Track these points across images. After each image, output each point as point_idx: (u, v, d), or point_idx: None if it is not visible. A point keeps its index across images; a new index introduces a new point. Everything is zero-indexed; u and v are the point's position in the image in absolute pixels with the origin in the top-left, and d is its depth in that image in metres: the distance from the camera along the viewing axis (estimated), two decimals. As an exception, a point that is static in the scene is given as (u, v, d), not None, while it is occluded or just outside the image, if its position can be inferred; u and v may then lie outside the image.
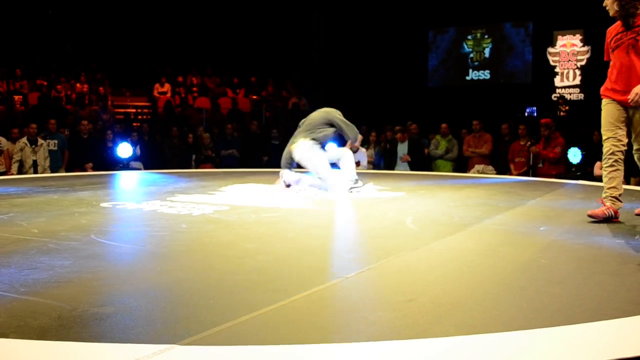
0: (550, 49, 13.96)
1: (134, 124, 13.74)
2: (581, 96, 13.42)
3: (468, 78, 15.25)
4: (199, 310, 2.11)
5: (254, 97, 15.73)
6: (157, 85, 15.66)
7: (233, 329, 1.90)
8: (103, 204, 4.94)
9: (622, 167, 4.16)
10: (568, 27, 13.65)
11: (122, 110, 15.47)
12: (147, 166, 10.54)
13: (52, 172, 9.52)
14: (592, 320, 1.97)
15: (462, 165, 10.51)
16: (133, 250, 3.29)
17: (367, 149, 11.07)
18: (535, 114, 12.98)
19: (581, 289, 2.45)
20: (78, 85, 14.86)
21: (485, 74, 15.06)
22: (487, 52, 15.09)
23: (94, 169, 9.97)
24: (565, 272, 2.73)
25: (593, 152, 9.22)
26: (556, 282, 2.55)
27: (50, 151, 9.86)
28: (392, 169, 10.38)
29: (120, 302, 2.22)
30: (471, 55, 15.26)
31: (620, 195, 4.16)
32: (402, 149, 10.50)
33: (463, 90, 15.03)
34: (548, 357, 1.70)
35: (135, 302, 2.23)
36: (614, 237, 3.61)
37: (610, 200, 4.14)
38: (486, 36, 15.12)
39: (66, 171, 9.76)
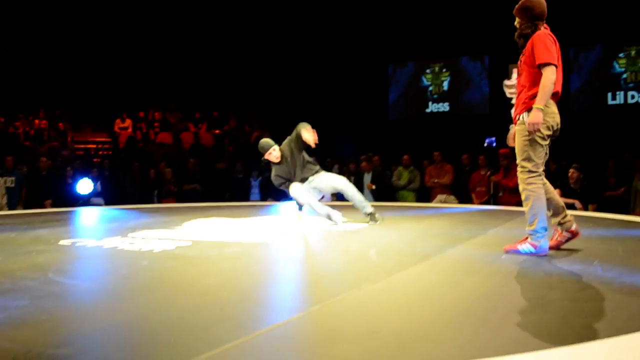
0: (506, 82, 14.27)
1: (95, 160, 13.58)
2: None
3: (428, 110, 15.50)
4: (159, 349, 2.07)
5: (217, 131, 15.71)
6: (118, 120, 15.55)
7: (194, 367, 1.87)
8: (62, 242, 4.84)
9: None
10: (514, 62, 13.99)
11: (82, 146, 15.29)
12: (108, 202, 10.39)
13: (9, 209, 9.30)
14: (552, 347, 2.00)
15: (424, 195, 10.60)
16: (92, 289, 3.22)
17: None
18: (494, 145, 13.22)
19: (542, 316, 2.48)
20: (37, 121, 14.67)
21: (444, 106, 15.33)
22: (445, 85, 15.38)
23: (53, 206, 9.78)
24: (526, 301, 2.77)
25: (551, 180, 9.39)
26: (517, 311, 2.58)
27: (7, 188, 9.66)
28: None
29: (78, 342, 2.16)
30: (430, 88, 15.54)
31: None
32: (367, 179, 10.60)
33: (423, 122, 15.26)
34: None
35: (93, 342, 2.18)
36: (572, 263, 3.68)
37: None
38: (444, 70, 15.43)
39: (24, 208, 9.55)
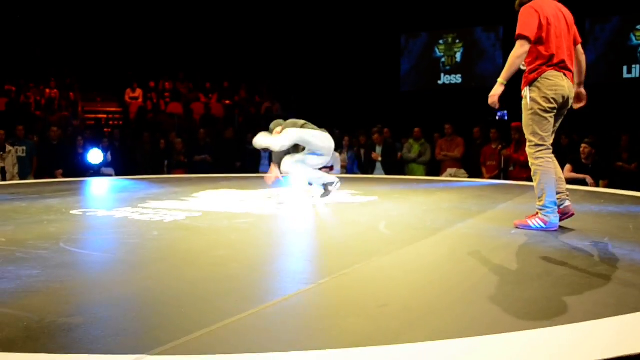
0: (521, 54, 14.11)
1: (105, 130, 13.60)
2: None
3: (440, 82, 15.37)
4: (170, 319, 2.09)
5: (227, 102, 15.66)
6: (128, 90, 15.52)
7: (204, 338, 1.88)
8: (73, 212, 4.87)
9: None
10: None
11: (93, 115, 15.30)
12: (119, 172, 10.43)
13: (20, 179, 9.36)
14: (562, 324, 1.99)
15: (434, 168, 10.58)
16: (103, 258, 3.24)
17: (340, 153, 11.08)
18: (506, 118, 13.10)
19: (551, 292, 2.48)
20: (47, 90, 14.67)
21: (457, 78, 15.19)
22: (458, 56, 15.22)
23: (64, 176, 9.83)
24: (535, 276, 2.76)
25: (562, 155, 9.34)
26: (526, 286, 2.58)
27: (18, 158, 9.70)
28: (372, 172, 10.42)
29: (89, 312, 2.18)
30: (443, 59, 15.39)
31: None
32: (379, 151, 10.57)
33: (435, 95, 15.14)
34: (518, 361, 1.72)
35: (104, 311, 2.19)
36: (583, 239, 3.67)
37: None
38: (457, 41, 15.26)
39: (35, 178, 9.61)
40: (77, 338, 1.90)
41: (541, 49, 3.93)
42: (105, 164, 10.46)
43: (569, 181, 7.94)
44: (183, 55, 16.42)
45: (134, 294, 2.44)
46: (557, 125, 4.11)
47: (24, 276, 2.64)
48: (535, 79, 3.95)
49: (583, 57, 4.15)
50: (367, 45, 15.11)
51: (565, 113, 4.13)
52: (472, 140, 10.51)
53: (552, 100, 3.92)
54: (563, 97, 3.95)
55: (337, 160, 10.64)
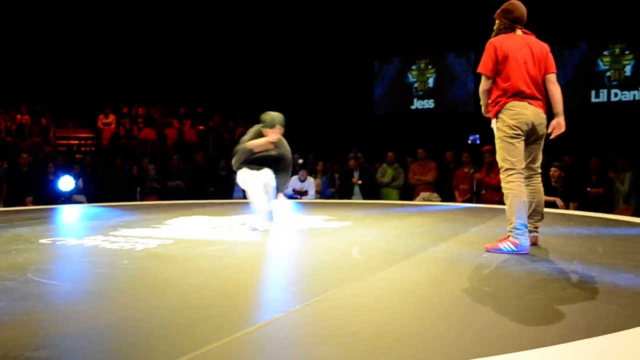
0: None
1: (77, 156, 13.47)
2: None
3: (413, 107, 15.53)
4: (140, 350, 2.06)
5: (201, 127, 15.63)
6: (101, 116, 15.43)
7: (174, 370, 1.86)
8: (42, 240, 4.79)
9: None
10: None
11: (65, 142, 15.16)
12: (90, 199, 10.31)
13: (-11, 206, 9.20)
14: (535, 347, 2.01)
15: (408, 192, 10.64)
16: (72, 289, 3.18)
17: (314, 178, 11.11)
18: (478, 142, 13.30)
19: (523, 315, 2.50)
20: (18, 116, 14.52)
21: (429, 103, 15.37)
22: (431, 81, 15.42)
23: (34, 203, 9.68)
24: (508, 300, 2.78)
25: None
26: (499, 310, 2.59)
27: (-13, 185, 9.56)
28: (350, 197, 10.43)
29: (57, 344, 2.14)
30: (415, 84, 15.58)
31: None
32: (357, 176, 10.60)
33: (408, 119, 15.29)
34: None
35: (73, 344, 2.15)
36: (553, 262, 3.71)
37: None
38: (430, 66, 15.47)
39: (4, 206, 9.45)
40: (44, 372, 1.86)
41: (499, 81, 4.17)
42: (76, 190, 10.34)
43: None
44: (156, 81, 16.38)
45: (104, 326, 2.39)
46: (536, 152, 4.31)
47: (-11, 308, 2.58)
48: (498, 111, 4.18)
49: (553, 87, 4.25)
50: (341, 71, 15.24)
51: (541, 139, 4.28)
52: (445, 164, 10.62)
53: (515, 128, 4.10)
54: (527, 124, 4.12)
55: (312, 185, 10.67)
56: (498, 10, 4.33)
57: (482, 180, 9.51)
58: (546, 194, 8.17)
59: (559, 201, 8.31)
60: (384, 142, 12.66)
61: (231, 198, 10.93)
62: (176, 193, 10.99)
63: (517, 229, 4.02)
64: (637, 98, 13.41)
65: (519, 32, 4.26)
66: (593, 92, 13.74)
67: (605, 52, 13.73)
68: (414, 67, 15.62)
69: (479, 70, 4.24)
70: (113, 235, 5.01)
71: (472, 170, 9.78)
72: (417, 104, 15.50)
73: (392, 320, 2.45)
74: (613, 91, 13.61)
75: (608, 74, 13.69)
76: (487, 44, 4.23)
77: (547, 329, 2.29)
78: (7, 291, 2.93)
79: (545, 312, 2.56)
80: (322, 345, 2.10)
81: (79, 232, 5.59)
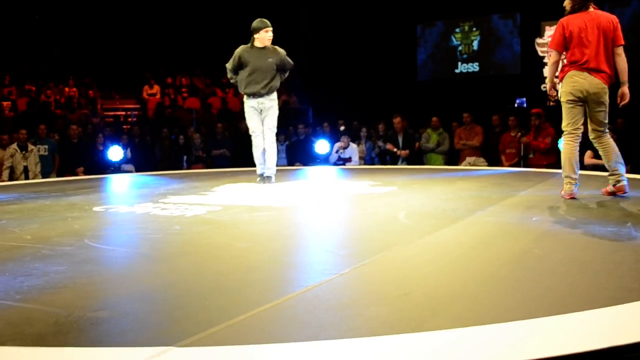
0: (538, 40, 13.99)
1: (124, 127, 13.71)
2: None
3: (457, 71, 15.25)
4: (194, 311, 2.12)
5: (244, 95, 15.67)
6: (146, 87, 15.62)
7: (228, 329, 1.91)
8: (95, 208, 4.93)
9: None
10: (556, 18, 13.64)
11: (112, 113, 15.43)
12: (139, 168, 10.51)
13: (43, 177, 9.47)
14: (586, 309, 1.99)
15: (453, 158, 10.53)
16: (127, 253, 3.29)
17: (358, 144, 11.07)
18: (525, 105, 13.01)
19: (574, 278, 2.47)
20: (67, 89, 14.82)
21: (474, 67, 15.07)
22: (475, 44, 15.09)
23: (85, 173, 9.93)
24: (559, 262, 2.75)
25: (582, 142, 9.25)
26: (549, 272, 2.57)
27: (41, 156, 9.82)
28: (395, 163, 10.39)
29: (115, 306, 2.22)
30: (460, 48, 15.26)
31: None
32: (400, 141, 10.49)
33: (452, 83, 15.03)
34: (543, 347, 1.71)
35: (130, 305, 2.23)
36: (606, 225, 3.64)
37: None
38: (474, 29, 15.12)
39: (57, 176, 9.72)
40: (105, 331, 1.93)
41: (568, 55, 4.74)
42: (125, 160, 10.55)
43: (591, 167, 7.88)
44: (199, 51, 16.46)
45: (158, 288, 2.47)
46: (598, 116, 4.77)
47: (50, 272, 2.69)
48: (562, 78, 4.78)
49: (619, 58, 4.70)
50: (383, 36, 15.03)
51: (600, 106, 4.73)
52: (491, 128, 10.44)
53: (570, 94, 4.72)
54: (581, 92, 4.68)
55: (355, 151, 10.65)
56: None
57: (529, 143, 9.34)
58: (597, 157, 8.06)
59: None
60: (428, 107, 12.51)
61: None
62: (222, 161, 11.12)
63: (564, 179, 4.78)
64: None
65: (591, 9, 4.72)
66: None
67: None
68: (457, 30, 15.29)
69: (549, 46, 4.90)
70: (163, 202, 5.11)
71: (519, 134, 9.60)
72: (462, 67, 15.21)
73: (441, 282, 2.45)
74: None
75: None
76: (558, 23, 4.78)
77: (599, 291, 2.26)
78: (67, 256, 3.04)
79: (597, 274, 2.53)
80: (373, 306, 2.12)
81: (130, 200, 5.73)
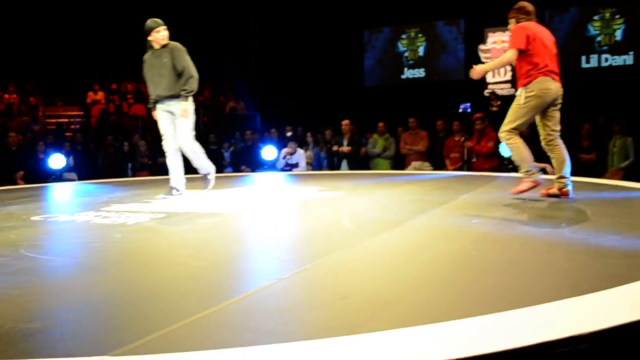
0: (482, 46, 14.32)
1: (67, 134, 13.40)
2: (512, 91, 13.80)
3: (403, 77, 15.48)
4: (132, 320, 2.09)
5: (191, 102, 15.51)
6: (90, 93, 15.31)
7: (166, 337, 1.88)
8: (34, 218, 4.79)
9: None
10: (498, 24, 14.04)
11: (54, 120, 15.06)
12: (82, 177, 10.28)
13: (-20, 186, 9.16)
14: (519, 307, 2.04)
15: (399, 162, 10.67)
16: (64, 263, 3.21)
17: (305, 150, 11.10)
18: (469, 110, 13.28)
19: (509, 277, 2.53)
20: (6, 96, 14.39)
21: (420, 72, 15.32)
22: (421, 50, 15.34)
23: (25, 182, 9.64)
24: (495, 262, 2.82)
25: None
26: (486, 273, 2.63)
27: (-23, 165, 9.51)
28: (338, 168, 10.45)
29: (49, 317, 2.17)
30: (406, 54, 15.50)
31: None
32: (345, 144, 10.58)
33: (399, 89, 15.25)
34: (477, 344, 1.75)
35: (65, 316, 2.18)
36: (542, 226, 3.75)
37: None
38: (420, 35, 15.38)
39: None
40: (37, 343, 1.88)
41: (530, 58, 4.80)
42: (67, 168, 10.31)
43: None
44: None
45: (95, 297, 2.42)
46: (557, 116, 4.96)
47: (-18, 284, 2.60)
48: (530, 82, 4.80)
49: None
50: (331, 42, 15.12)
51: (558, 107, 4.96)
52: (436, 133, 10.63)
53: (539, 98, 4.79)
54: (551, 97, 4.82)
55: (302, 156, 10.67)
56: (512, 12, 5.02)
57: (472, 148, 9.54)
58: (537, 158, 8.32)
59: (548, 167, 8.34)
60: (374, 112, 12.64)
61: (221, 172, 10.94)
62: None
63: (529, 170, 4.85)
64: (627, 63, 13.40)
65: (532, 20, 4.96)
66: (584, 58, 13.72)
67: (596, 17, 13.68)
68: (404, 36, 15.53)
69: (512, 46, 4.82)
70: (105, 210, 5.01)
71: (462, 138, 9.80)
72: (408, 73, 15.44)
73: (381, 285, 2.48)
74: (604, 56, 13.59)
75: (598, 38, 13.66)
76: (518, 27, 4.87)
77: (533, 289, 2.32)
78: (1, 267, 2.94)
79: (531, 273, 2.60)
80: (312, 310, 2.13)
81: (71, 208, 5.60)
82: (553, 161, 5.02)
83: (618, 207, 4.75)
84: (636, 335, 1.87)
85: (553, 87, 4.81)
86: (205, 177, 6.19)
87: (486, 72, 5.07)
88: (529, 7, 5.04)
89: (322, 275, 2.68)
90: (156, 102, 6.01)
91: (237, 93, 15.68)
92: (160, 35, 5.99)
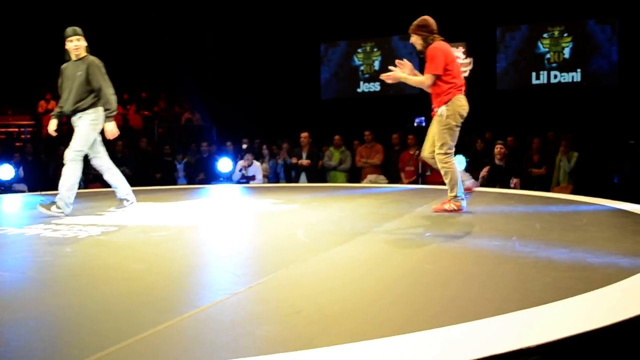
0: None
1: (17, 144, 13.08)
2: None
3: (359, 90, 15.64)
4: (83, 336, 2.05)
5: (146, 113, 15.36)
6: (42, 102, 15.00)
7: (118, 353, 1.86)
8: (-19, 230, 4.66)
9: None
10: (451, 40, 14.27)
11: (4, 129, 14.69)
12: (32, 188, 10.04)
13: None
14: (469, 320, 2.08)
15: (355, 175, 10.73)
16: (12, 278, 3.12)
17: (262, 163, 11.08)
18: (423, 124, 13.47)
19: (461, 290, 2.58)
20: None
21: (375, 86, 15.50)
22: (376, 64, 15.54)
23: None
24: (448, 276, 2.87)
25: (476, 159, 9.70)
26: (438, 286, 2.67)
27: None
28: (297, 181, 10.44)
29: (-5, 334, 2.11)
30: (362, 67, 15.67)
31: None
32: (304, 157, 10.58)
33: (354, 102, 15.39)
34: (429, 357, 1.78)
35: (12, 334, 2.13)
36: (493, 239, 3.82)
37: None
38: (375, 49, 15.58)
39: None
40: (-18, 361, 1.83)
41: (447, 77, 4.93)
42: (17, 179, 10.05)
43: (483, 184, 8.26)
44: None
45: (45, 313, 2.37)
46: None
47: None
48: (449, 101, 4.91)
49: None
50: (288, 55, 15.19)
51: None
52: (391, 147, 10.74)
53: (461, 116, 4.96)
54: (466, 113, 4.98)
55: (259, 169, 10.64)
56: (414, 27, 5.11)
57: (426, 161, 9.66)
58: (492, 172, 8.48)
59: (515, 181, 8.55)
60: (331, 125, 12.71)
61: (176, 184, 10.84)
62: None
63: (459, 195, 5.00)
64: (575, 80, 13.82)
65: (439, 38, 5.03)
66: (534, 74, 14.09)
67: (545, 35, 14.08)
68: (360, 50, 15.71)
69: (433, 71, 4.91)
70: (55, 223, 4.91)
71: (417, 152, 9.91)
72: (364, 87, 15.62)
73: (335, 299, 2.49)
74: (553, 73, 13.99)
75: (548, 56, 14.05)
76: (434, 48, 4.94)
77: (483, 302, 2.37)
78: (-57, 282, 2.86)
79: (482, 286, 2.65)
80: (265, 324, 2.13)
81: (20, 221, 5.46)
82: (446, 177, 5.07)
83: (567, 220, 4.87)
84: (583, 346, 1.93)
85: (466, 103, 4.98)
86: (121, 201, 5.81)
87: (399, 81, 5.08)
88: (433, 23, 5.09)
89: (276, 288, 2.68)
90: (61, 114, 5.77)
91: (192, 104, 15.56)
92: (72, 45, 5.64)
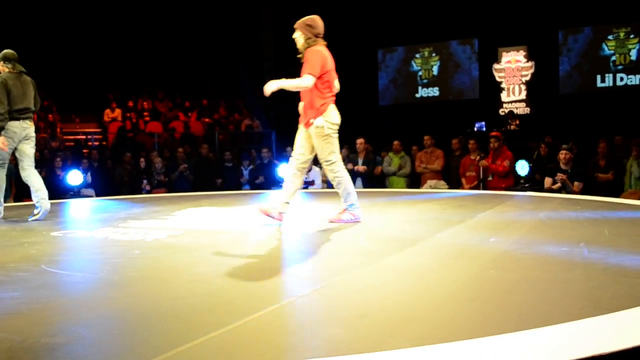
0: (496, 65, 14.36)
1: (84, 151, 13.53)
2: (527, 110, 13.82)
3: (418, 95, 15.53)
4: (153, 336, 2.11)
5: (207, 120, 15.67)
6: (107, 110, 15.50)
7: (187, 353, 1.90)
8: (53, 233, 4.85)
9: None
10: (512, 44, 14.08)
11: (72, 137, 15.23)
12: (99, 193, 10.37)
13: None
14: (540, 327, 2.04)
15: (415, 181, 10.65)
16: (84, 278, 3.24)
17: (320, 168, 11.12)
18: (484, 129, 13.28)
19: (529, 296, 2.53)
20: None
21: (434, 91, 15.37)
22: (435, 69, 15.41)
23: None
24: (514, 281, 2.81)
25: (540, 164, 9.48)
26: (505, 291, 2.63)
27: (-3, 181, 9.60)
28: (354, 183, 10.44)
29: (72, 331, 2.19)
30: (420, 73, 15.56)
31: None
32: (360, 163, 10.59)
33: (413, 108, 15.29)
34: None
35: (87, 331, 2.20)
36: (560, 245, 3.73)
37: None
38: (434, 54, 15.45)
39: (14, 201, 9.51)
40: (60, 357, 1.91)
41: (322, 85, 4.94)
42: (85, 185, 10.40)
43: (548, 190, 8.07)
44: (161, 74, 16.41)
45: (117, 313, 2.44)
46: None
47: (5, 298, 2.64)
48: (324, 112, 4.92)
49: None
50: (345, 60, 15.14)
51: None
52: (451, 152, 10.61)
53: (336, 125, 5.03)
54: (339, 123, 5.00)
55: (318, 174, 10.69)
56: (300, 23, 4.94)
57: (488, 167, 9.51)
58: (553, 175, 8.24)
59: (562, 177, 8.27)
60: (389, 131, 12.66)
61: (239, 189, 11.00)
62: (183, 185, 11.05)
63: (353, 204, 4.99)
64: (642, 82, 13.38)
65: (322, 43, 4.97)
66: (599, 77, 13.70)
67: (610, 37, 13.68)
68: (417, 55, 15.61)
69: (310, 71, 4.78)
70: (123, 227, 5.06)
71: (478, 157, 9.77)
72: (422, 92, 15.50)
73: (399, 303, 2.48)
74: (619, 75, 13.57)
75: (613, 58, 13.64)
76: (315, 51, 4.85)
77: (553, 309, 2.32)
78: (22, 282, 2.99)
79: (551, 292, 2.59)
80: (330, 327, 2.14)
81: (89, 224, 5.65)
82: (338, 186, 5.05)
83: (636, 226, 4.71)
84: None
85: (338, 112, 5.00)
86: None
87: (279, 89, 4.87)
88: (321, 26, 4.99)
89: (340, 292, 2.69)
90: None
91: (252, 111, 15.78)
92: None
